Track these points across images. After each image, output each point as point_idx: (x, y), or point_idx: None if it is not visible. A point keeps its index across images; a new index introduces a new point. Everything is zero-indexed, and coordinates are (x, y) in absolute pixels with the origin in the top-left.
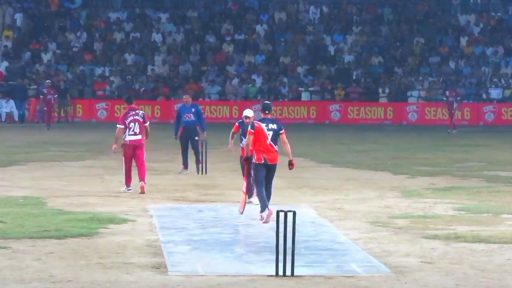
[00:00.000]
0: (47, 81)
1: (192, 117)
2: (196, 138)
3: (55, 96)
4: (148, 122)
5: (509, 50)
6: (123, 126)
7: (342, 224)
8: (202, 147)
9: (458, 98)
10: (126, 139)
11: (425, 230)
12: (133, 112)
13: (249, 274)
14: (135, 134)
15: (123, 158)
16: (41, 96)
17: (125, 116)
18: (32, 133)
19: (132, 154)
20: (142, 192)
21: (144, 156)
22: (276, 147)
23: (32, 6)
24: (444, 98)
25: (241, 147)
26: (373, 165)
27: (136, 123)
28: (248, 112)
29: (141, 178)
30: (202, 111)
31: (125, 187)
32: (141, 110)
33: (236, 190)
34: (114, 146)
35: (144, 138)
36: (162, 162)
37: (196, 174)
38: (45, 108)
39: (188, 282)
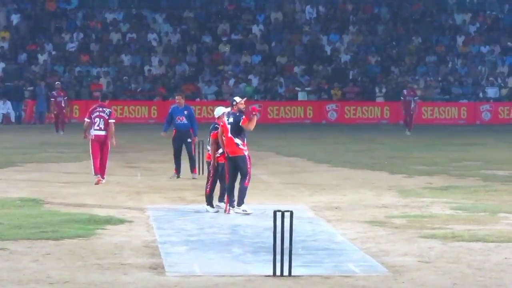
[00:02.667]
0: (57, 83)
1: (185, 120)
2: (189, 140)
3: (65, 98)
4: (113, 120)
5: (506, 49)
6: (89, 120)
7: (339, 224)
8: (198, 147)
9: (416, 97)
10: (92, 133)
11: (422, 229)
12: (100, 109)
13: (247, 274)
14: (100, 129)
15: (91, 152)
16: (52, 99)
17: (92, 111)
18: (29, 134)
19: (98, 149)
20: (96, 184)
21: (108, 151)
22: (236, 140)
23: (28, 7)
24: (402, 98)
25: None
26: (370, 164)
27: (101, 120)
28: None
29: (101, 176)
30: (194, 113)
31: (95, 177)
32: (110, 109)
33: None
34: (84, 135)
35: (108, 134)
36: (159, 162)
37: (191, 178)
38: (55, 112)
39: (185, 283)
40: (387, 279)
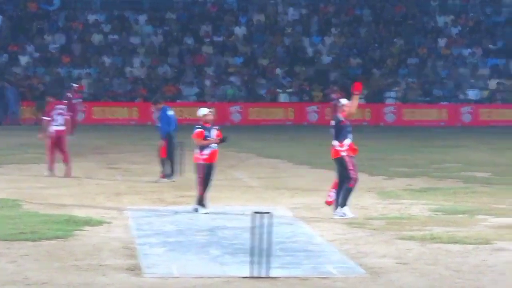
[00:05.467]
0: (75, 85)
1: (157, 123)
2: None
3: (79, 100)
4: (70, 115)
5: (487, 51)
6: (49, 119)
7: (318, 225)
8: (178, 149)
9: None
10: (51, 130)
11: (401, 231)
12: (59, 107)
13: (224, 276)
14: (60, 125)
15: (49, 147)
16: (66, 102)
17: (52, 110)
18: (9, 135)
19: (55, 144)
20: (68, 175)
21: (66, 144)
22: (334, 142)
23: (10, 8)
24: (331, 101)
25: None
26: None
27: (61, 116)
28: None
29: (65, 161)
30: (163, 116)
31: (49, 171)
32: (64, 105)
33: (211, 191)
34: (40, 135)
35: (66, 129)
36: (139, 164)
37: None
38: (71, 114)
39: (163, 284)
40: (365, 281)
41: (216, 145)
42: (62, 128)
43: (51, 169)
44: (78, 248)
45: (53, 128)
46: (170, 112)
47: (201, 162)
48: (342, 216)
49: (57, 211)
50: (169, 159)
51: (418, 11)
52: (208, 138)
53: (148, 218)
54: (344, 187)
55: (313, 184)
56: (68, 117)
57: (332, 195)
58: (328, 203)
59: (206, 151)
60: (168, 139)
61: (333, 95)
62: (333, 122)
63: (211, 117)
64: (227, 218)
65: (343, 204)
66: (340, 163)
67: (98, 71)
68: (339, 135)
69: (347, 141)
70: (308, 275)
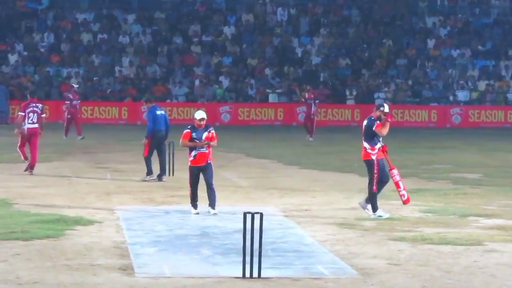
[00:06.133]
0: (76, 85)
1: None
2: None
3: (79, 101)
4: (45, 114)
5: (476, 52)
6: (23, 114)
7: (309, 226)
8: (168, 149)
9: (317, 101)
10: (24, 127)
11: (392, 232)
12: (34, 104)
13: (216, 276)
14: (33, 123)
15: (20, 142)
16: (67, 102)
17: (26, 106)
18: None
19: (28, 141)
20: (27, 169)
21: (38, 142)
22: (365, 144)
23: None
24: (303, 99)
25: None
26: (340, 166)
27: (35, 114)
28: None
29: (33, 159)
30: (149, 115)
31: (29, 170)
32: (41, 104)
33: (200, 191)
34: (16, 130)
35: (39, 127)
36: (128, 163)
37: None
38: (68, 116)
39: (154, 284)
40: (357, 282)
41: (204, 148)
42: (35, 126)
43: (27, 159)
44: (69, 247)
45: (26, 125)
46: (160, 112)
47: (189, 164)
48: (380, 216)
49: (47, 210)
50: (159, 158)
51: (406, 11)
52: (195, 140)
53: (139, 218)
54: (368, 192)
55: (302, 185)
56: (43, 116)
57: (404, 194)
58: (406, 202)
59: (193, 153)
60: (154, 137)
61: (306, 95)
62: (365, 122)
63: (203, 122)
64: (217, 218)
65: (375, 209)
66: (370, 164)
67: (87, 70)
68: (371, 139)
69: (379, 145)
70: (300, 275)
